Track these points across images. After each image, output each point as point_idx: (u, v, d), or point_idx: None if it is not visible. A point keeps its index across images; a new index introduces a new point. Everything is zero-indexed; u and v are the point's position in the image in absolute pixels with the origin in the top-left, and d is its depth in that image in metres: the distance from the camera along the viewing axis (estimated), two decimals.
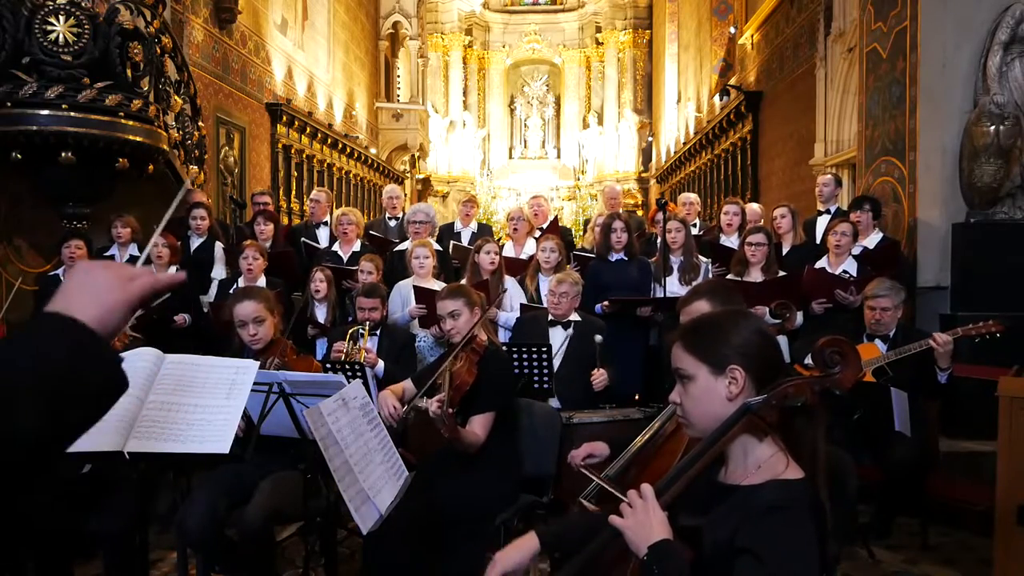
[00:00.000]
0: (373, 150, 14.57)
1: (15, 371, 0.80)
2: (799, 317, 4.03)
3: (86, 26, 4.97)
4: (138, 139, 5.24)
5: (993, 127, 4.42)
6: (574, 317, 3.76)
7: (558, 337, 3.69)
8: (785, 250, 4.82)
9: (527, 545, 1.61)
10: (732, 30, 11.89)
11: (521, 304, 4.25)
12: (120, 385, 0.89)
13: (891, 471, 3.17)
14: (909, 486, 3.25)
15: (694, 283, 4.40)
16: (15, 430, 0.78)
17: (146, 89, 5.41)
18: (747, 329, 1.38)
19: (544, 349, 3.43)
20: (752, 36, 10.64)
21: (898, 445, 3.12)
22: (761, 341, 1.38)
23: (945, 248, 4.63)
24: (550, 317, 3.76)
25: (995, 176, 4.47)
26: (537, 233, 5.35)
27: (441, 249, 4.97)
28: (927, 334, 3.35)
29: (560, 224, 6.71)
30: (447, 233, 5.69)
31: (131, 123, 5.20)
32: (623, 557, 1.28)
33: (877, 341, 3.42)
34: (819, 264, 4.31)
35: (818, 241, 4.85)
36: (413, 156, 17.05)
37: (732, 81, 11.52)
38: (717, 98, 12.35)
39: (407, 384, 2.85)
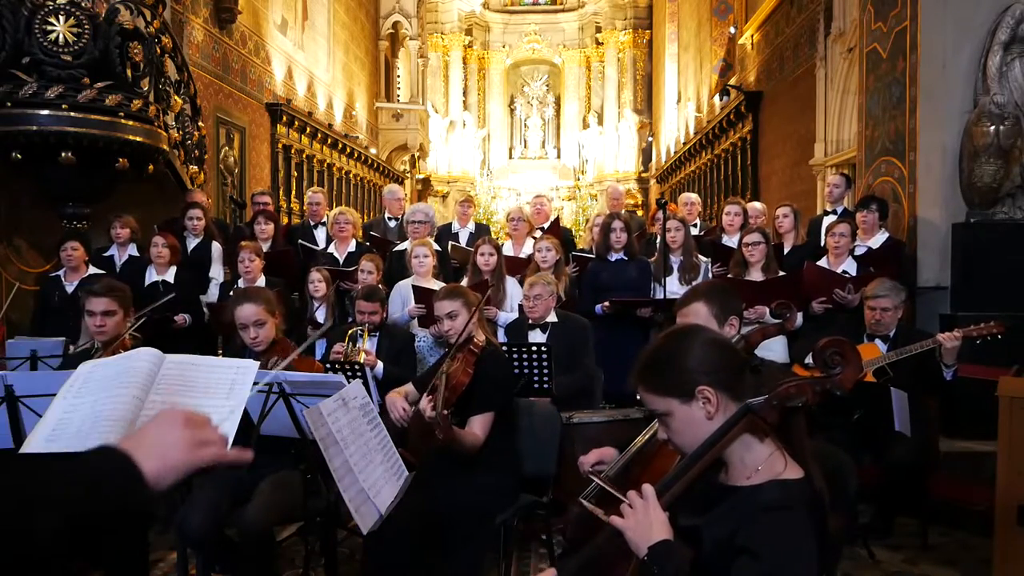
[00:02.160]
0: (373, 150, 14.57)
1: (62, 494, 0.85)
2: (799, 317, 4.03)
3: (86, 26, 4.97)
4: (138, 139, 5.24)
5: (993, 127, 4.42)
6: (551, 319, 3.76)
7: (537, 339, 3.71)
8: (786, 250, 4.82)
9: None
10: (732, 30, 11.89)
11: (520, 304, 4.25)
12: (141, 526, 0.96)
13: (891, 471, 3.17)
14: (909, 486, 3.25)
15: (694, 283, 4.40)
16: (29, 541, 0.82)
17: (146, 89, 5.41)
18: (697, 346, 1.37)
19: (544, 348, 3.43)
20: (752, 36, 10.64)
21: (898, 445, 3.12)
22: (715, 351, 1.37)
23: (945, 248, 4.63)
24: (529, 321, 3.77)
25: (995, 176, 4.47)
26: (538, 233, 5.35)
27: (440, 249, 4.97)
28: (927, 334, 3.35)
29: (561, 224, 6.70)
30: (445, 234, 5.68)
31: (131, 123, 5.20)
32: (624, 556, 1.28)
33: (877, 341, 3.41)
34: (819, 264, 4.31)
35: (822, 242, 4.85)
36: (413, 156, 17.05)
37: (732, 81, 11.52)
38: (717, 98, 12.35)
39: (409, 387, 2.85)
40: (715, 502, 1.32)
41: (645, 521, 1.25)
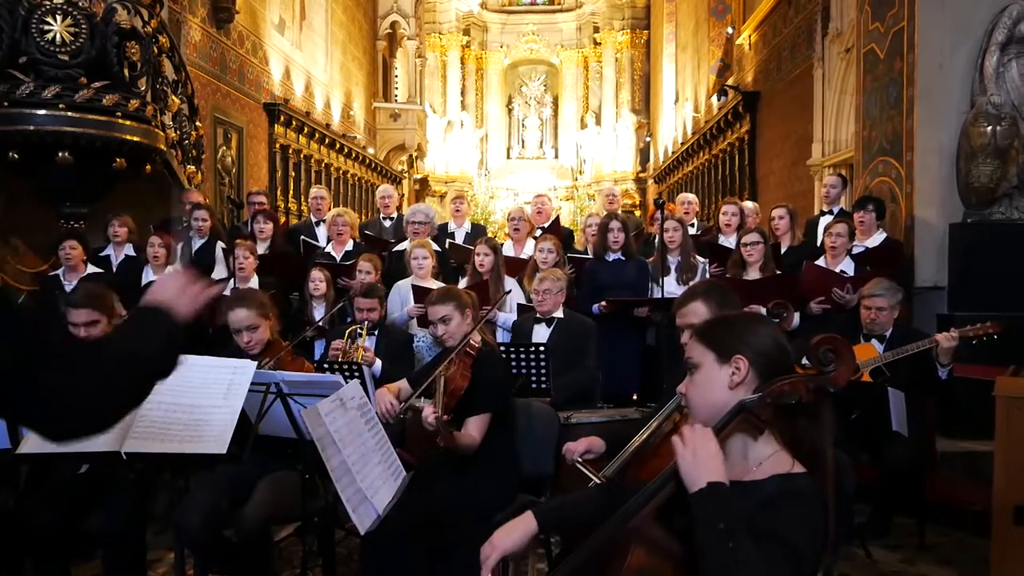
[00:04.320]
0: (371, 150, 14.56)
1: (131, 352, 1.20)
2: (796, 318, 4.03)
3: (83, 26, 4.96)
4: (135, 139, 5.23)
5: (990, 127, 4.43)
6: (558, 314, 3.78)
7: (541, 334, 3.73)
8: (783, 251, 4.82)
9: (525, 527, 1.59)
10: (730, 30, 11.90)
11: (519, 304, 4.25)
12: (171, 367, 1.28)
13: (889, 471, 3.17)
14: (907, 486, 3.25)
15: (691, 283, 4.40)
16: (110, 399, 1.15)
17: (143, 89, 5.41)
18: (762, 331, 1.43)
19: (542, 349, 3.43)
20: (750, 36, 10.65)
21: (896, 445, 3.12)
22: (773, 343, 1.41)
23: (942, 248, 4.64)
24: (536, 315, 3.79)
25: (992, 176, 4.48)
26: (538, 232, 5.34)
27: (439, 250, 4.96)
28: (924, 334, 3.36)
29: (561, 224, 6.69)
30: (442, 233, 5.68)
31: (128, 123, 5.19)
32: (620, 555, 1.28)
33: (874, 341, 3.42)
34: (817, 263, 4.31)
35: (819, 242, 4.86)
36: (411, 156, 17.05)
37: (730, 81, 11.53)
38: (715, 98, 12.36)
39: (403, 384, 2.85)
40: None
41: (713, 452, 1.25)
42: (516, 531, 1.58)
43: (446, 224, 5.98)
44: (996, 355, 3.29)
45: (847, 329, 3.50)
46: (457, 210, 5.92)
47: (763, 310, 3.87)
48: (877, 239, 4.49)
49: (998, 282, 4.36)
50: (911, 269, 4.67)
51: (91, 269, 4.59)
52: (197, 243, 5.15)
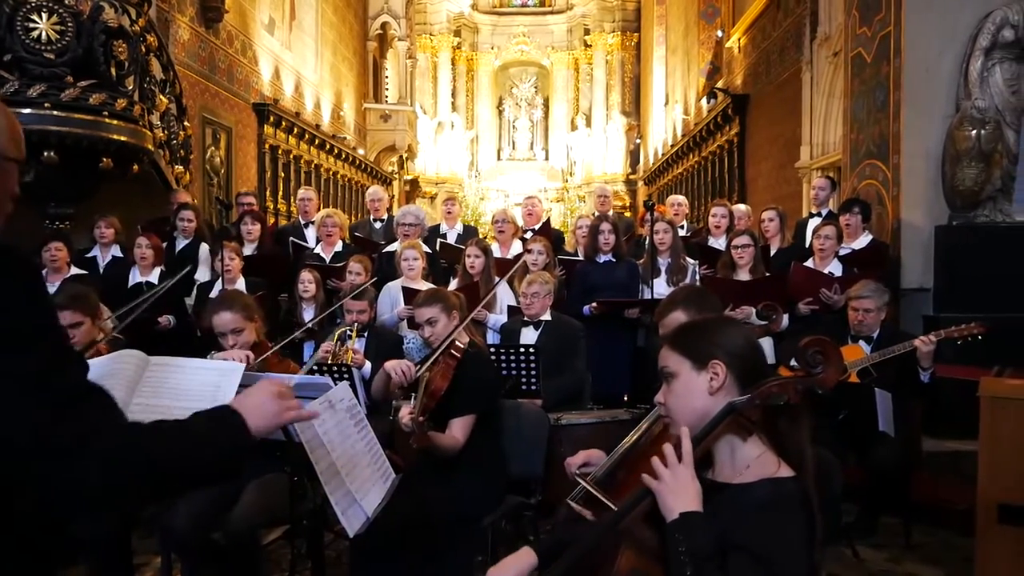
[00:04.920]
0: (361, 151, 14.52)
1: (197, 449, 1.11)
2: (785, 319, 4.06)
3: (69, 24, 4.92)
4: (122, 139, 5.19)
5: (975, 131, 4.48)
6: (545, 317, 3.79)
7: (529, 337, 3.75)
8: (772, 252, 4.85)
9: (523, 562, 1.56)
10: (719, 33, 11.97)
11: (509, 306, 4.25)
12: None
13: (875, 471, 3.20)
14: (893, 485, 3.28)
15: (676, 287, 4.42)
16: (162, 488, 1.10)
17: (131, 88, 5.36)
18: (733, 333, 1.42)
19: (532, 350, 3.43)
20: (739, 40, 10.72)
21: (882, 445, 3.15)
22: (746, 344, 1.41)
23: (928, 250, 4.68)
24: (524, 318, 3.79)
25: (976, 179, 4.53)
26: (528, 234, 5.35)
27: (430, 252, 4.95)
28: (911, 336, 3.39)
29: (551, 226, 6.69)
30: (434, 235, 5.67)
31: (115, 122, 5.15)
32: (609, 558, 1.29)
33: (861, 342, 3.45)
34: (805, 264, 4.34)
35: (808, 244, 4.89)
36: (401, 157, 17.02)
37: (719, 84, 11.60)
38: (704, 101, 12.42)
39: None
40: (704, 500, 1.33)
41: (686, 482, 1.25)
42: (514, 568, 1.54)
43: (438, 225, 5.98)
44: (981, 356, 3.32)
45: (835, 330, 3.52)
46: (449, 212, 5.92)
47: (753, 311, 3.89)
48: (863, 241, 4.53)
49: (983, 284, 4.41)
50: (897, 271, 4.71)
51: (74, 271, 4.54)
52: (182, 243, 5.11)
